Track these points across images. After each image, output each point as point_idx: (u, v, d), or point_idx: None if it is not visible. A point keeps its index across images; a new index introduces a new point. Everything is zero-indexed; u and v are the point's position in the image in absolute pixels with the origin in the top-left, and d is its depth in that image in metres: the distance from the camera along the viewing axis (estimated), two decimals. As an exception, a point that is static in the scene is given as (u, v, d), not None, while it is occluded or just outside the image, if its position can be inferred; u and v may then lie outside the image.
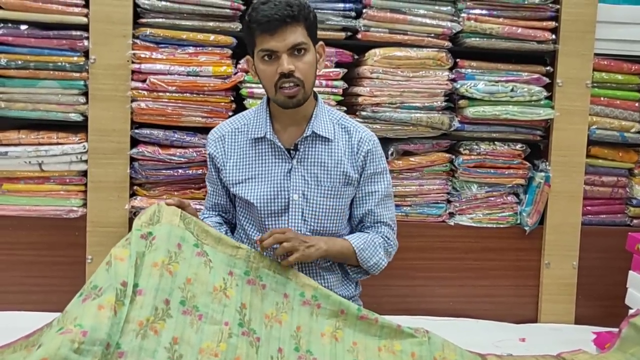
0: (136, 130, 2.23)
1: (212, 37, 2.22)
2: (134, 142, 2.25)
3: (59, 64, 2.17)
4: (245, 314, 1.50)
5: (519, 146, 2.42)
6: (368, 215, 1.81)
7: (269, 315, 1.54)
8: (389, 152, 2.32)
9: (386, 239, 1.81)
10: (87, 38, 2.18)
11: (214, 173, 1.83)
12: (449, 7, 2.34)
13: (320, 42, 1.73)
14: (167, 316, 1.39)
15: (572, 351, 1.85)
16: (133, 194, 2.29)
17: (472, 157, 2.39)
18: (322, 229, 1.75)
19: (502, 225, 2.44)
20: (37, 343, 1.34)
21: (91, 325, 1.26)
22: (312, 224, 1.74)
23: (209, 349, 1.40)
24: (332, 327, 1.58)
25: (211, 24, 2.24)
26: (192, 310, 1.43)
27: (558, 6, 2.37)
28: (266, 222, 1.75)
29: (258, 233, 1.76)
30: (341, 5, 2.28)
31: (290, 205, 1.74)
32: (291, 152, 1.75)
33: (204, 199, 2.08)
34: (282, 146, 1.74)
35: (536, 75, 2.39)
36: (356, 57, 2.36)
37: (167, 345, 1.35)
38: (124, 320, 1.32)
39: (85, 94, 2.22)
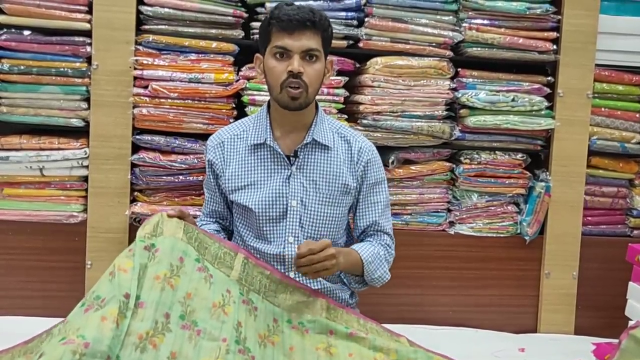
0: (137, 136, 2.23)
1: (214, 44, 2.22)
2: (135, 148, 2.26)
3: (62, 69, 2.18)
4: (241, 332, 1.50)
5: (519, 156, 2.42)
6: (372, 225, 1.82)
7: (262, 335, 1.54)
8: (390, 161, 2.32)
9: (387, 247, 1.82)
10: (90, 44, 2.19)
11: (212, 179, 1.83)
12: (451, 17, 2.34)
13: (330, 59, 1.77)
14: (166, 330, 1.39)
15: (572, 362, 1.85)
16: (133, 200, 2.29)
17: (473, 166, 2.39)
18: (319, 236, 1.75)
19: (502, 235, 2.44)
20: (38, 351, 1.34)
21: (93, 337, 1.27)
22: (310, 230, 1.74)
23: None
24: (325, 344, 1.59)
25: (213, 31, 2.25)
26: (191, 325, 1.44)
27: (559, 17, 2.38)
28: (264, 228, 1.75)
29: (255, 239, 1.77)
30: (343, 13, 2.29)
31: (289, 212, 1.73)
32: (291, 158, 1.75)
33: (204, 205, 2.08)
34: (282, 152, 1.74)
35: (537, 86, 2.39)
36: (358, 65, 2.37)
37: None
38: (124, 333, 1.33)
39: (87, 99, 2.22)
